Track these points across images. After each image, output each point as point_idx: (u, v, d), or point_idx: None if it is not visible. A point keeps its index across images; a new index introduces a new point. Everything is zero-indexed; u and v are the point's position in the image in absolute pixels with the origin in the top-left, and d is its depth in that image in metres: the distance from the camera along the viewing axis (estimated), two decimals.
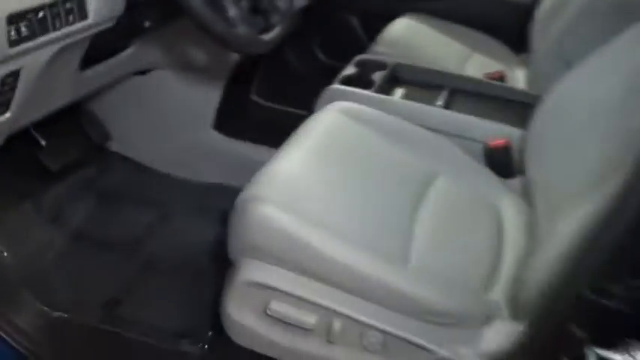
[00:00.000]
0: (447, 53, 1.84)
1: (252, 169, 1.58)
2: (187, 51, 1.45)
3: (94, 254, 1.35)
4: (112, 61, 1.19)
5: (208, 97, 1.59)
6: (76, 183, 1.48)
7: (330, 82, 1.52)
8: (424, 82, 1.51)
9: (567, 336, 0.57)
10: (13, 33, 0.76)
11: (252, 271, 0.92)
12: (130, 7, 0.97)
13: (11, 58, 0.79)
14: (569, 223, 0.73)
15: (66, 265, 1.28)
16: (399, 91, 1.47)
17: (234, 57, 1.54)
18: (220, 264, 1.13)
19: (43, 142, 1.40)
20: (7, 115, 0.88)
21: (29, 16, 0.78)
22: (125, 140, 1.63)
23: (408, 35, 1.88)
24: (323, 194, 0.99)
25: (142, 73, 1.47)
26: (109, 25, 0.97)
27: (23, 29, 0.77)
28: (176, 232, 1.46)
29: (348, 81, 1.45)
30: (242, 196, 0.96)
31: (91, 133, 1.56)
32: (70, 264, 1.29)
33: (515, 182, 1.24)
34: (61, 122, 1.37)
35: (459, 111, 1.37)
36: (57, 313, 1.15)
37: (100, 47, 1.08)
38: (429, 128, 1.27)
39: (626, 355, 0.51)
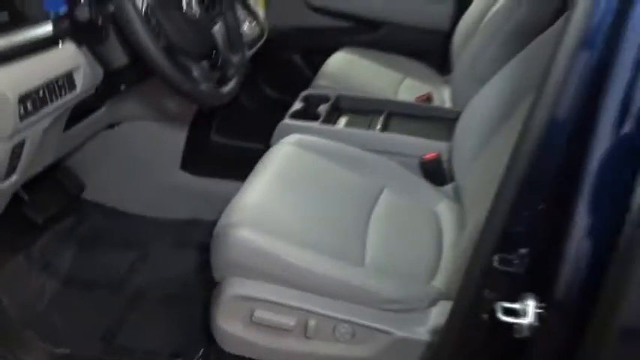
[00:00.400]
0: (382, 80, 2.07)
1: (220, 202, 1.77)
2: (153, 104, 1.62)
3: (85, 294, 1.48)
4: (89, 120, 1.35)
5: (174, 141, 1.75)
6: (58, 232, 1.61)
7: (280, 115, 1.71)
8: (363, 110, 1.73)
9: (483, 298, 0.76)
10: (22, 110, 0.92)
11: (236, 287, 1.09)
12: (108, 75, 1.15)
13: (20, 130, 0.94)
14: (479, 214, 0.94)
15: (61, 306, 1.40)
16: (342, 120, 1.68)
17: (194, 106, 1.72)
18: (203, 286, 1.29)
19: (26, 198, 1.52)
20: (15, 177, 1.03)
21: (33, 95, 0.94)
22: (99, 188, 1.76)
23: (345, 68, 2.10)
24: (289, 214, 1.17)
25: (111, 126, 1.62)
26: (92, 92, 1.14)
27: (29, 106, 0.93)
28: (157, 267, 1.60)
29: (298, 115, 1.65)
30: (220, 223, 1.12)
31: (67, 185, 1.70)
32: (65, 305, 1.42)
33: (448, 188, 1.45)
34: (39, 177, 1.51)
35: (395, 132, 1.59)
36: (60, 350, 1.27)
37: (79, 109, 1.24)
38: (371, 150, 1.47)
39: (522, 303, 0.71)
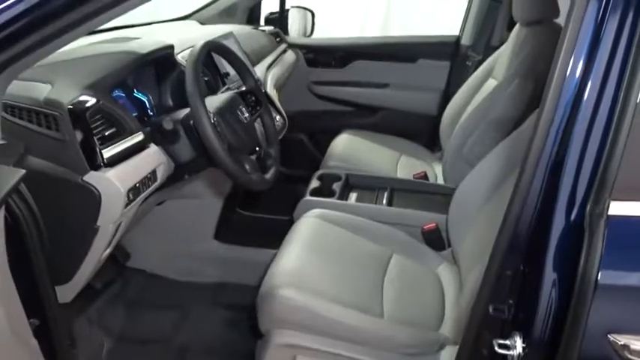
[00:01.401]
0: (381, 159, 2.38)
1: (245, 266, 2.04)
2: (194, 186, 1.92)
3: (137, 350, 1.70)
4: (149, 201, 1.62)
5: (210, 216, 2.04)
6: (109, 295, 1.85)
7: (291, 189, 1.97)
8: (371, 186, 2.04)
9: (482, 337, 1.03)
10: (126, 200, 1.20)
11: (281, 337, 1.34)
12: (176, 168, 1.44)
13: (123, 215, 1.23)
14: (473, 274, 1.23)
15: (119, 359, 1.63)
16: (353, 195, 1.99)
17: (229, 185, 2.02)
18: (238, 340, 1.52)
19: None
20: (108, 251, 1.30)
21: (133, 188, 1.23)
22: (142, 257, 2.02)
23: (350, 148, 2.41)
24: (320, 276, 1.43)
25: (158, 203, 1.90)
26: (164, 182, 1.43)
27: (131, 196, 1.22)
28: (196, 324, 1.84)
29: (316, 192, 1.95)
30: (265, 284, 1.38)
31: (116, 255, 1.95)
32: (122, 357, 1.64)
33: (446, 253, 1.74)
34: None
35: (399, 206, 1.90)
36: None
37: None
38: (379, 221, 1.76)
39: (512, 340, 0.98)
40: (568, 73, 0.84)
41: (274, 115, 1.90)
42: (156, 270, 2.02)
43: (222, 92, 1.60)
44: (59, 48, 1.00)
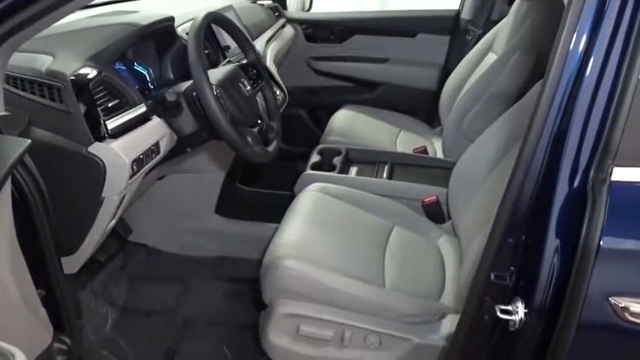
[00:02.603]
0: (381, 134, 2.38)
1: (245, 241, 2.06)
2: (195, 160, 1.92)
3: (141, 321, 1.73)
4: (151, 174, 1.63)
5: (211, 190, 2.04)
6: (112, 269, 1.87)
7: (291, 164, 1.97)
8: (371, 160, 2.04)
9: (484, 303, 1.05)
10: (130, 171, 1.21)
11: (284, 307, 1.36)
12: (179, 140, 1.44)
13: (127, 186, 1.23)
14: (474, 244, 1.25)
15: (124, 331, 1.65)
16: (353, 169, 1.99)
17: (230, 159, 2.02)
18: (240, 312, 1.55)
19: None
20: (113, 222, 1.31)
21: (137, 159, 1.23)
22: (144, 232, 2.03)
23: (350, 123, 2.41)
24: (323, 247, 1.45)
25: (159, 178, 1.91)
26: (166, 154, 1.43)
27: (135, 167, 1.22)
28: (198, 297, 1.86)
29: (316, 166, 1.96)
30: (268, 256, 1.39)
31: (118, 229, 1.96)
32: (126, 330, 1.67)
33: (447, 225, 1.76)
34: None
35: (400, 179, 1.91)
36: None
37: None
38: (380, 194, 1.78)
39: (514, 305, 1.00)
40: (572, 44, 0.85)
41: (277, 89, 1.90)
42: (157, 244, 2.03)
43: (224, 65, 1.60)
44: (58, 20, 1.00)
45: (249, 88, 1.49)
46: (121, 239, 1.97)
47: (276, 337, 1.37)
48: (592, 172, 0.85)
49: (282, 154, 2.64)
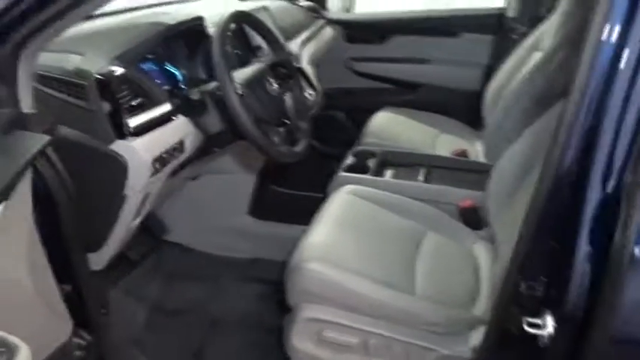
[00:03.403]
0: (420, 136, 2.31)
1: (278, 242, 2.04)
2: (226, 160, 1.92)
3: (170, 320, 1.74)
4: (181, 174, 1.64)
5: (243, 191, 2.04)
6: (146, 267, 1.89)
7: (327, 167, 1.95)
8: (407, 163, 1.98)
9: (512, 314, 0.98)
10: (152, 169, 1.21)
11: (308, 311, 1.32)
12: (206, 140, 1.44)
13: (149, 185, 1.24)
14: (507, 251, 1.17)
15: (154, 329, 1.67)
16: (389, 172, 1.94)
17: (261, 161, 2.01)
18: (268, 314, 1.53)
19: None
20: (138, 220, 1.31)
21: (160, 157, 1.23)
22: (178, 231, 2.05)
23: (388, 125, 2.36)
24: (351, 251, 1.41)
25: (193, 178, 1.92)
26: (192, 153, 1.43)
27: (157, 166, 1.23)
28: (228, 298, 1.86)
29: (350, 168, 1.91)
30: (294, 258, 1.36)
31: (152, 228, 1.99)
32: (156, 328, 1.68)
33: (484, 232, 1.68)
34: None
35: (436, 183, 1.84)
36: None
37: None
38: (415, 198, 1.71)
39: (542, 318, 0.93)
40: (605, 34, 0.78)
41: (309, 90, 1.87)
42: (191, 243, 2.04)
43: (252, 65, 1.59)
44: (79, 19, 1.01)
45: (275, 87, 1.47)
46: (155, 238, 2.00)
47: (299, 341, 1.34)
48: (626, 175, 0.78)
49: (318, 155, 2.66)
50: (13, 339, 0.78)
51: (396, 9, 2.84)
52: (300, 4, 2.55)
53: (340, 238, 1.46)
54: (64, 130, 1.18)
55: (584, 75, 0.80)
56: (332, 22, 2.65)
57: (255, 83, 1.39)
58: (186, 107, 1.37)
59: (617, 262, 0.79)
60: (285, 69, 1.58)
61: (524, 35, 2.30)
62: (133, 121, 1.18)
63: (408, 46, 2.62)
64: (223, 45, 1.30)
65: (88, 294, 1.20)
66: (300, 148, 1.50)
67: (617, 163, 0.80)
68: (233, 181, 2.01)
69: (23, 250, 0.93)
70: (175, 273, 1.94)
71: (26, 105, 1.03)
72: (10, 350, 0.77)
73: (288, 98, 1.61)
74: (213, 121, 1.39)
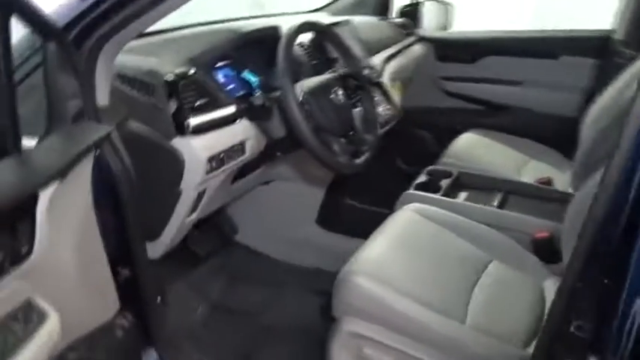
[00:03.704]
0: (505, 161, 2.18)
1: (344, 256, 2.01)
2: (299, 168, 1.95)
3: (226, 319, 1.78)
4: (249, 177, 1.69)
5: (313, 200, 2.06)
6: (212, 265, 1.96)
7: (404, 184, 1.90)
8: (482, 186, 1.88)
9: (557, 355, 0.89)
10: (208, 167, 1.26)
11: (351, 325, 1.29)
12: (269, 144, 1.47)
13: (205, 181, 1.28)
14: None
15: (210, 326, 1.72)
16: (462, 195, 1.85)
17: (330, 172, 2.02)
18: (323, 327, 1.51)
19: (196, 233, 1.89)
20: (194, 215, 1.37)
21: (217, 157, 1.28)
22: (248, 233, 2.11)
23: (472, 147, 2.26)
24: (402, 270, 1.36)
25: (265, 183, 1.97)
26: (255, 156, 1.46)
27: (214, 164, 1.27)
28: (286, 305, 1.87)
29: (421, 187, 1.85)
30: (344, 270, 1.34)
31: (223, 227, 2.06)
32: (212, 325, 1.73)
33: (559, 266, 1.54)
34: (204, 219, 1.87)
35: (510, 210, 1.72)
36: None
37: (243, 168, 1.58)
38: (484, 224, 1.62)
39: None
40: None
41: (385, 104, 1.85)
42: (258, 247, 2.09)
43: (322, 75, 1.60)
44: (157, 20, 1.08)
45: (342, 97, 1.47)
46: (225, 237, 2.06)
47: (340, 354, 1.31)
48: None
49: (398, 172, 2.61)
50: (44, 305, 0.83)
51: (493, 28, 2.73)
52: (392, 20, 2.54)
53: (394, 255, 1.41)
54: (134, 124, 1.26)
55: None
56: (424, 39, 2.61)
57: (319, 92, 1.40)
58: (252, 111, 1.41)
59: None
60: (356, 80, 1.58)
61: (631, 60, 2.11)
62: (194, 120, 1.24)
63: (501, 67, 2.50)
64: (288, 53, 1.32)
65: (144, 280, 1.26)
66: (361, 160, 1.49)
67: None
68: (304, 188, 2.03)
69: (74, 227, 1.00)
70: (239, 274, 1.99)
71: (102, 98, 1.11)
72: (40, 316, 0.83)
73: (356, 110, 1.60)
74: (277, 127, 1.42)
